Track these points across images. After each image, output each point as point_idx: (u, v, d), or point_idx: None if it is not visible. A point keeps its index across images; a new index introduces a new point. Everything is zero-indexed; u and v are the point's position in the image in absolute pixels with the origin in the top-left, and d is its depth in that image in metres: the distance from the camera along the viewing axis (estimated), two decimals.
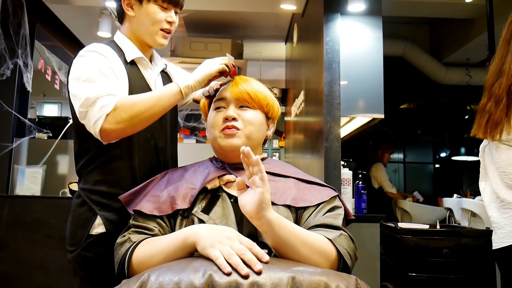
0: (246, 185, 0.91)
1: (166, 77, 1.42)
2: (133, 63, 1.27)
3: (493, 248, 1.48)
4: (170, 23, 1.29)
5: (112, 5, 3.46)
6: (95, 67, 1.15)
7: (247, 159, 0.87)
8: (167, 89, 1.17)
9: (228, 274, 0.73)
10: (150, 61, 1.35)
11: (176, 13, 1.32)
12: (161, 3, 1.26)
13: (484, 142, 1.59)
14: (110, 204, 1.20)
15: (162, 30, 1.29)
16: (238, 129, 1.08)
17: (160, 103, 1.14)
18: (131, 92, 1.22)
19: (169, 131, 1.36)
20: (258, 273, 0.74)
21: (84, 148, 1.23)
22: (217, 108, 1.13)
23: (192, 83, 1.18)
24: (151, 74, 1.33)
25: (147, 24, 1.27)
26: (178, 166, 1.33)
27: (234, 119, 1.09)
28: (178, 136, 1.49)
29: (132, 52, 1.27)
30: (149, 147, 1.28)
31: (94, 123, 1.10)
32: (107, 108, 1.08)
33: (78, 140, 1.25)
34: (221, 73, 1.23)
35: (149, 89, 1.29)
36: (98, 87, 1.11)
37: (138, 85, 1.25)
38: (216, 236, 0.83)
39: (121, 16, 1.33)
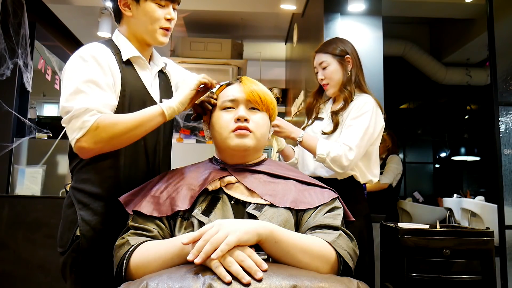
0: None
1: (164, 78, 1.40)
2: (129, 62, 1.26)
3: None
4: (169, 20, 1.26)
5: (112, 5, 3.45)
6: (86, 75, 1.14)
7: None
8: (150, 111, 1.14)
9: (229, 284, 0.73)
10: (150, 60, 1.34)
11: (174, 9, 1.29)
12: (158, 0, 1.24)
13: None
14: (89, 204, 1.19)
15: (161, 28, 1.26)
16: (250, 131, 1.07)
17: (142, 125, 1.13)
18: (125, 91, 1.21)
19: (162, 134, 1.34)
20: (259, 280, 0.73)
21: None
22: (226, 109, 1.11)
23: (175, 104, 1.15)
24: (148, 74, 1.31)
25: (146, 23, 1.24)
26: (171, 168, 1.30)
27: (246, 120, 1.08)
28: (172, 140, 1.46)
29: (129, 51, 1.25)
30: (138, 149, 1.26)
31: (72, 139, 1.10)
32: (87, 124, 1.07)
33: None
34: (205, 88, 1.18)
35: (145, 90, 1.27)
36: (84, 100, 1.10)
37: (133, 85, 1.24)
38: None
39: (118, 16, 1.30)
